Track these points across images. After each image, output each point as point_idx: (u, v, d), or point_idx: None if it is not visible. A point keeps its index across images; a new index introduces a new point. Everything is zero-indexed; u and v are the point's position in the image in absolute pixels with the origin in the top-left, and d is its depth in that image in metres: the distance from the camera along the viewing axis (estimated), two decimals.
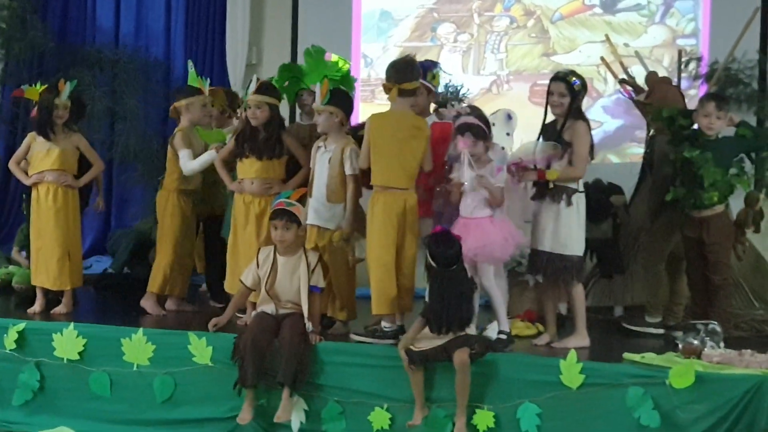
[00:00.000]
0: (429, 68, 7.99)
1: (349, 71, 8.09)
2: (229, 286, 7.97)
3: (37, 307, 8.34)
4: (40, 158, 8.41)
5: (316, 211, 7.53)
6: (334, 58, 8.14)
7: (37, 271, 8.42)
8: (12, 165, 8.62)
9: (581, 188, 7.39)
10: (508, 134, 7.77)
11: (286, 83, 8.47)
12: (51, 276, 8.34)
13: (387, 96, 7.46)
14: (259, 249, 7.48)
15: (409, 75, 7.38)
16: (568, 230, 7.30)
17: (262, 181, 7.90)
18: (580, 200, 7.37)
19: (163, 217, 8.56)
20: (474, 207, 7.16)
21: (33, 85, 8.57)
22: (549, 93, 7.51)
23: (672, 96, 8.64)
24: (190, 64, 8.76)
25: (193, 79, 8.57)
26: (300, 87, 8.44)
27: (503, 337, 7.14)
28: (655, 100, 8.62)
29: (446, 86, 9.13)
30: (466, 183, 7.09)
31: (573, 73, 7.58)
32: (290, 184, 7.88)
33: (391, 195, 7.25)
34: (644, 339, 7.91)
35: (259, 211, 7.87)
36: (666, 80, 8.99)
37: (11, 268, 9.83)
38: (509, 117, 7.80)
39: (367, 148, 7.34)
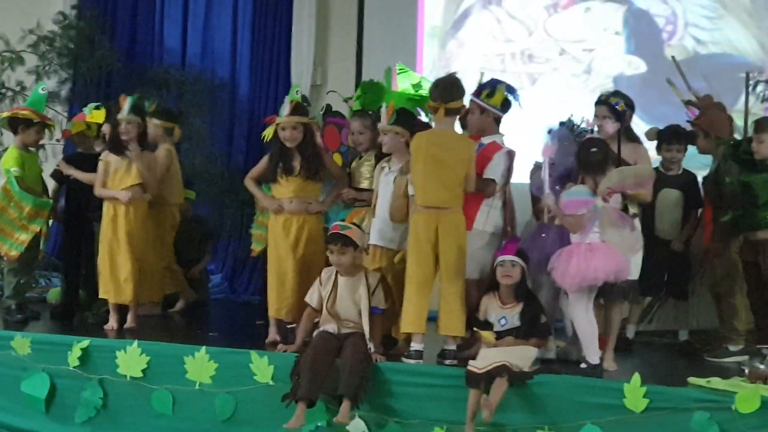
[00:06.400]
0: (485, 87, 7.77)
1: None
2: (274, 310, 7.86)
3: (113, 323, 8.41)
4: (120, 176, 8.50)
5: (380, 232, 7.54)
6: (416, 79, 8.15)
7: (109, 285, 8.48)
8: (98, 190, 8.57)
9: (636, 211, 7.29)
10: None
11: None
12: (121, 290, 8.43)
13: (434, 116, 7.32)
14: (322, 270, 7.46)
15: (453, 94, 7.25)
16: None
17: (301, 199, 7.84)
18: (637, 224, 7.27)
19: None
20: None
21: (98, 107, 8.70)
22: (595, 116, 7.58)
23: (719, 123, 8.38)
24: None
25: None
26: (379, 105, 8.25)
27: (584, 366, 6.97)
28: (702, 122, 8.43)
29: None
30: (546, 191, 7.04)
31: (617, 93, 7.58)
32: (327, 202, 7.98)
33: (433, 214, 7.09)
34: (708, 364, 7.81)
35: (296, 229, 7.81)
36: (719, 106, 8.58)
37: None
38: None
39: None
